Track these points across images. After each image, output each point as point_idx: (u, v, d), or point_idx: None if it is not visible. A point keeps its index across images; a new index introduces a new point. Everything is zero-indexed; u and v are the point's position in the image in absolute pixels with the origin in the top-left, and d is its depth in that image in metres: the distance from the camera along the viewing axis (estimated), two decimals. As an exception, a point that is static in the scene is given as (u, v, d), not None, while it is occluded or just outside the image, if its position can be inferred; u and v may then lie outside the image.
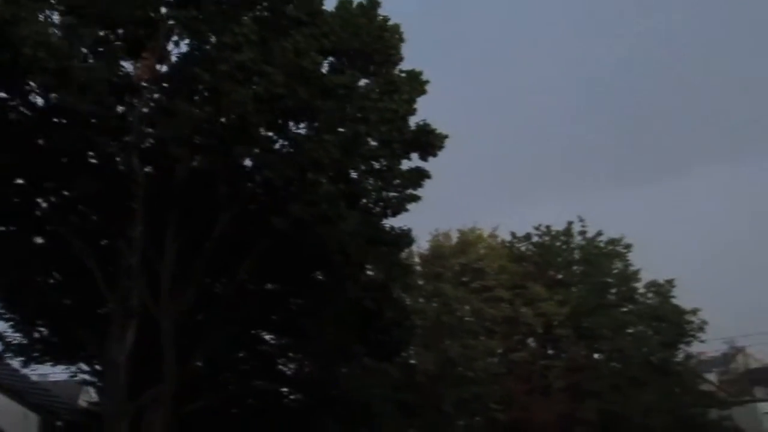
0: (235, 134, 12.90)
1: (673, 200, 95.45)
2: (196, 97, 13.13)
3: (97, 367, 16.59)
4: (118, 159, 13.67)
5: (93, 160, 13.81)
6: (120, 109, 13.42)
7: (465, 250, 30.05)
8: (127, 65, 13.41)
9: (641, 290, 30.39)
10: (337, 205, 13.17)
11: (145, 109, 13.38)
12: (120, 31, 13.17)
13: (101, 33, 12.71)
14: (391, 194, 15.72)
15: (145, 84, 12.96)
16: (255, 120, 12.74)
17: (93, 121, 12.55)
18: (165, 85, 13.89)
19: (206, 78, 12.29)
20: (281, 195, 13.51)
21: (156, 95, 13.53)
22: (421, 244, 30.39)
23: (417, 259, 29.72)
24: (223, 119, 12.91)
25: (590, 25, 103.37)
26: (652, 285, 30.25)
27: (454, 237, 30.75)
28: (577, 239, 30.78)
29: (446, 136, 15.22)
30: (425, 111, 15.13)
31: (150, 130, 13.88)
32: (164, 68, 13.37)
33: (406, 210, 15.87)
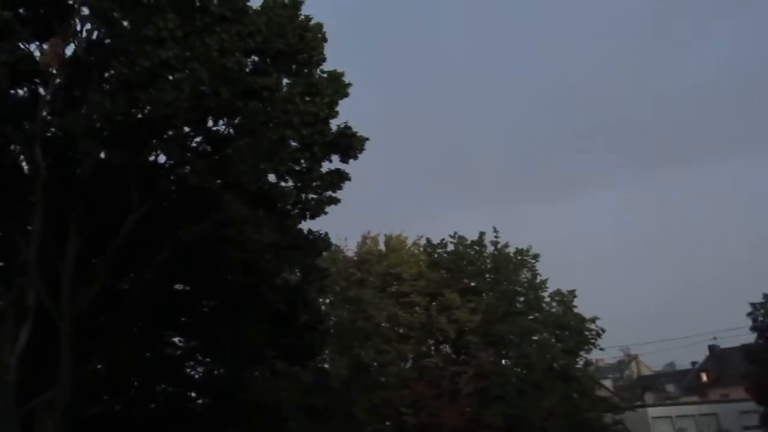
0: (151, 130, 12.43)
1: (585, 213, 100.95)
2: (107, 86, 12.54)
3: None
4: (17, 147, 12.82)
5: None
6: (22, 93, 12.60)
7: (389, 255, 30.36)
8: (33, 48, 12.63)
9: (546, 299, 31.83)
10: (244, 231, 12.99)
11: (49, 97, 12.63)
12: (26, 11, 12.39)
13: (5, 12, 11.89)
14: (310, 196, 15.61)
15: (52, 70, 12.23)
16: (180, 120, 12.35)
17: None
18: (74, 72, 13.18)
19: (125, 72, 11.77)
20: (196, 198, 13.14)
21: (62, 82, 12.80)
22: (351, 247, 30.55)
23: (342, 264, 29.74)
24: (139, 114, 12.40)
25: (520, 41, 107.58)
26: (557, 294, 31.75)
27: (382, 241, 31.01)
28: (490, 248, 31.86)
29: (366, 139, 15.19)
30: (352, 114, 15.16)
31: (55, 118, 13.12)
32: (73, 54, 12.67)
33: (325, 213, 15.79)
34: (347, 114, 15.01)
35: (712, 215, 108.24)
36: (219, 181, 13.29)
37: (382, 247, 31.14)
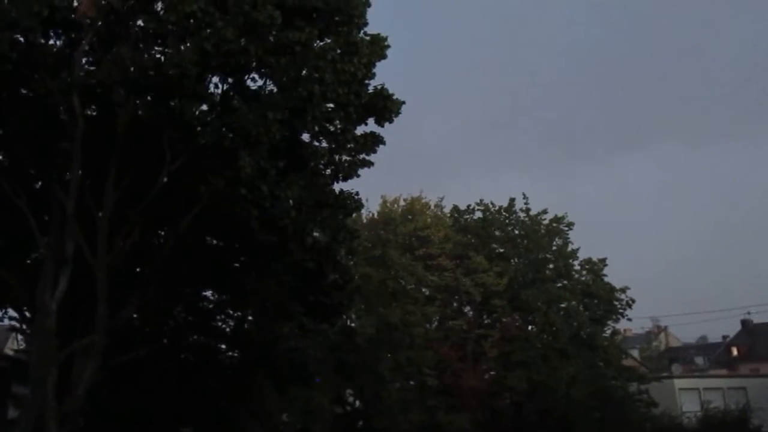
0: (178, 87, 12.34)
1: (625, 181, 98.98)
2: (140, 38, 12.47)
3: (27, 313, 16.00)
4: (55, 98, 12.92)
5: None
6: (60, 43, 12.64)
7: (412, 217, 30.28)
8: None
9: (576, 267, 31.51)
10: (257, 189, 12.71)
11: (87, 47, 12.65)
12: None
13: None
14: (344, 158, 15.55)
15: (88, 21, 12.20)
16: (194, 79, 12.13)
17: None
18: (112, 22, 13.13)
19: (152, 26, 11.64)
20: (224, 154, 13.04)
21: (100, 32, 12.77)
22: (372, 208, 30.53)
23: (365, 222, 29.77)
24: (170, 71, 12.32)
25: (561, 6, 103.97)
26: (587, 263, 31.39)
27: (402, 203, 30.89)
28: (521, 215, 31.45)
29: (403, 102, 15.08)
30: (389, 77, 14.94)
31: (92, 68, 13.17)
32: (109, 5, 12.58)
33: (358, 175, 15.77)
34: (386, 76, 14.77)
35: (754, 190, 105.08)
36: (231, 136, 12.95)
37: (401, 209, 30.86)
